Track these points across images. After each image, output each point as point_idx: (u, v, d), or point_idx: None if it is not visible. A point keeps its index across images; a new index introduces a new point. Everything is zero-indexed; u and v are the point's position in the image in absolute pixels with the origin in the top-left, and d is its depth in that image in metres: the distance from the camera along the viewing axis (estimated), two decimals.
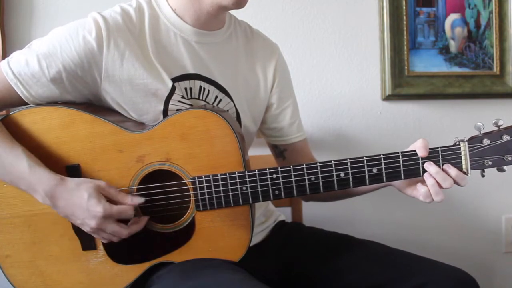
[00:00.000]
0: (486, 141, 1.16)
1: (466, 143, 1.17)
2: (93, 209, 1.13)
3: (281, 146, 1.50)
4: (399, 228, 2.10)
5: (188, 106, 1.26)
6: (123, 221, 1.18)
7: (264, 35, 1.48)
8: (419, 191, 1.20)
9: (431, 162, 1.18)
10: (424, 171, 1.18)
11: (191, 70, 1.29)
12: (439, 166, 1.18)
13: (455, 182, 1.18)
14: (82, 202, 1.13)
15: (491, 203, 2.18)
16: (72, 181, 1.16)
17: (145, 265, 1.24)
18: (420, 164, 1.18)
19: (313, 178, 1.19)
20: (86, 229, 1.17)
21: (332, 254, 1.39)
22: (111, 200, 1.16)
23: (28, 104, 1.23)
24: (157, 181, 1.22)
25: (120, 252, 1.23)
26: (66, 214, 1.16)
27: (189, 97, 1.29)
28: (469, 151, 1.17)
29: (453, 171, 1.17)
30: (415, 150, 1.18)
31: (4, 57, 1.73)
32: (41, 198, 1.16)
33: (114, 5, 1.27)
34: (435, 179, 1.17)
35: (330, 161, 1.18)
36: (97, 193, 1.14)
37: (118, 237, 1.17)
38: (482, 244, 2.18)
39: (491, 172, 1.20)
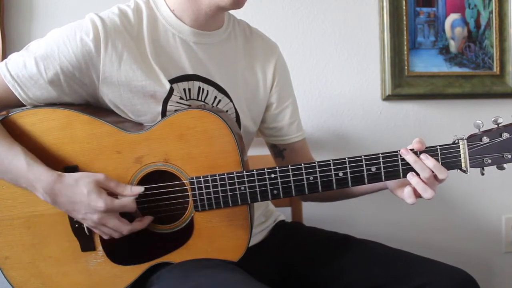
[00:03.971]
0: (485, 139, 1.16)
1: (465, 141, 1.17)
2: (94, 204, 1.13)
3: (281, 145, 1.50)
4: (399, 228, 2.10)
5: (186, 107, 1.26)
6: (126, 216, 1.18)
7: (263, 35, 1.48)
8: (404, 191, 1.20)
9: (408, 150, 1.17)
10: None
11: (189, 71, 1.29)
12: (416, 154, 1.17)
13: (434, 175, 1.17)
14: (83, 198, 1.13)
15: (491, 203, 2.18)
16: (70, 177, 1.15)
17: (145, 266, 1.24)
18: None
19: (311, 178, 1.18)
20: (87, 223, 1.17)
21: (332, 254, 1.39)
22: (111, 193, 1.16)
23: (26, 105, 1.23)
24: (156, 181, 1.21)
25: (119, 253, 1.23)
26: (67, 209, 1.16)
27: (188, 98, 1.29)
28: (468, 149, 1.16)
29: (430, 162, 1.16)
30: (413, 149, 1.18)
31: (3, 57, 1.74)
32: (41, 195, 1.16)
33: (113, 5, 1.27)
34: (419, 176, 1.17)
35: (329, 161, 1.18)
36: (97, 187, 1.14)
37: (119, 232, 1.17)
38: (482, 244, 2.18)
39: (491, 172, 1.20)
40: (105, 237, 1.20)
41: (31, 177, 1.15)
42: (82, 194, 1.13)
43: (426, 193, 1.16)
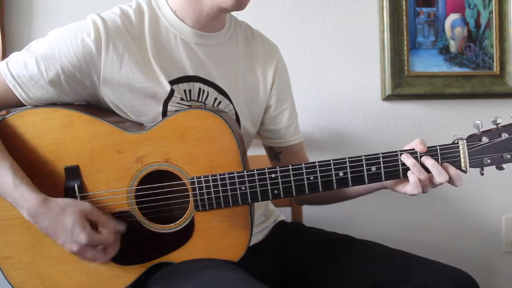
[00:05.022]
0: (485, 139, 1.16)
1: (465, 141, 1.17)
2: (76, 237, 1.12)
3: (277, 148, 1.50)
4: (399, 228, 2.10)
5: (187, 107, 1.26)
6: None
7: (264, 36, 1.48)
8: (410, 181, 1.19)
9: (408, 154, 1.18)
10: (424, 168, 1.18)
11: (190, 72, 1.29)
12: (416, 158, 1.18)
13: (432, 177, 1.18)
14: (66, 228, 1.13)
15: (491, 203, 2.18)
16: (56, 204, 1.15)
17: (145, 266, 1.24)
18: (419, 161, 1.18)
19: (312, 178, 1.18)
20: (66, 249, 1.16)
21: (332, 254, 1.39)
22: (93, 224, 1.16)
23: (26, 105, 1.23)
24: (156, 181, 1.22)
25: (119, 252, 1.22)
26: (48, 233, 1.16)
27: (188, 99, 1.29)
28: (468, 149, 1.17)
29: (430, 161, 1.17)
30: (413, 149, 1.18)
31: (4, 57, 1.73)
32: (26, 215, 1.15)
33: (115, 5, 1.27)
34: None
35: (329, 161, 1.18)
36: (82, 219, 1.13)
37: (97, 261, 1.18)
38: (482, 244, 2.18)
39: (490, 172, 1.20)
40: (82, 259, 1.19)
41: (16, 196, 1.14)
42: (66, 224, 1.13)
43: (441, 177, 1.16)
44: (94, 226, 1.15)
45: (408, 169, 1.18)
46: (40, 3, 1.87)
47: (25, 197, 1.14)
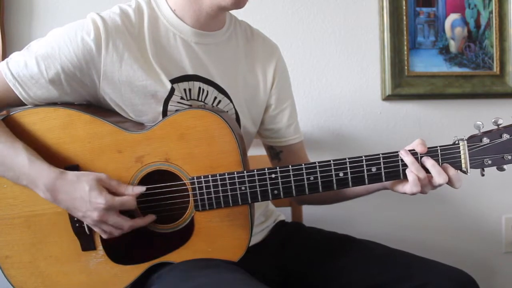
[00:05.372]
0: (485, 140, 1.16)
1: (466, 142, 1.17)
2: (94, 201, 1.13)
3: (277, 147, 1.50)
4: (399, 228, 2.10)
5: (187, 107, 1.26)
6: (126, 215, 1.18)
7: (264, 35, 1.48)
8: (408, 180, 1.18)
9: (408, 152, 1.17)
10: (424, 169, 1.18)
11: (190, 71, 1.29)
12: (417, 158, 1.17)
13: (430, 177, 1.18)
14: (84, 195, 1.13)
15: (491, 203, 2.18)
16: (72, 174, 1.16)
17: (145, 266, 1.24)
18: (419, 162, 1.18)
19: (312, 178, 1.18)
20: (88, 221, 1.17)
21: (332, 254, 1.39)
22: (112, 192, 1.16)
23: (27, 105, 1.23)
24: (156, 181, 1.21)
25: (119, 252, 1.23)
26: (68, 206, 1.16)
27: (188, 98, 1.29)
28: (469, 150, 1.17)
29: (429, 161, 1.17)
30: (413, 149, 1.18)
31: (4, 57, 1.74)
32: (42, 192, 1.16)
33: (114, 5, 1.27)
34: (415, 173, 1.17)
35: (329, 161, 1.18)
36: (98, 185, 1.14)
37: (120, 229, 1.17)
38: (482, 244, 2.18)
39: (491, 172, 1.20)
40: (105, 236, 1.19)
41: (32, 173, 1.15)
42: (83, 191, 1.13)
43: (440, 177, 1.16)
44: (112, 194, 1.16)
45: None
46: (40, 3, 1.87)
47: (42, 173, 1.15)
